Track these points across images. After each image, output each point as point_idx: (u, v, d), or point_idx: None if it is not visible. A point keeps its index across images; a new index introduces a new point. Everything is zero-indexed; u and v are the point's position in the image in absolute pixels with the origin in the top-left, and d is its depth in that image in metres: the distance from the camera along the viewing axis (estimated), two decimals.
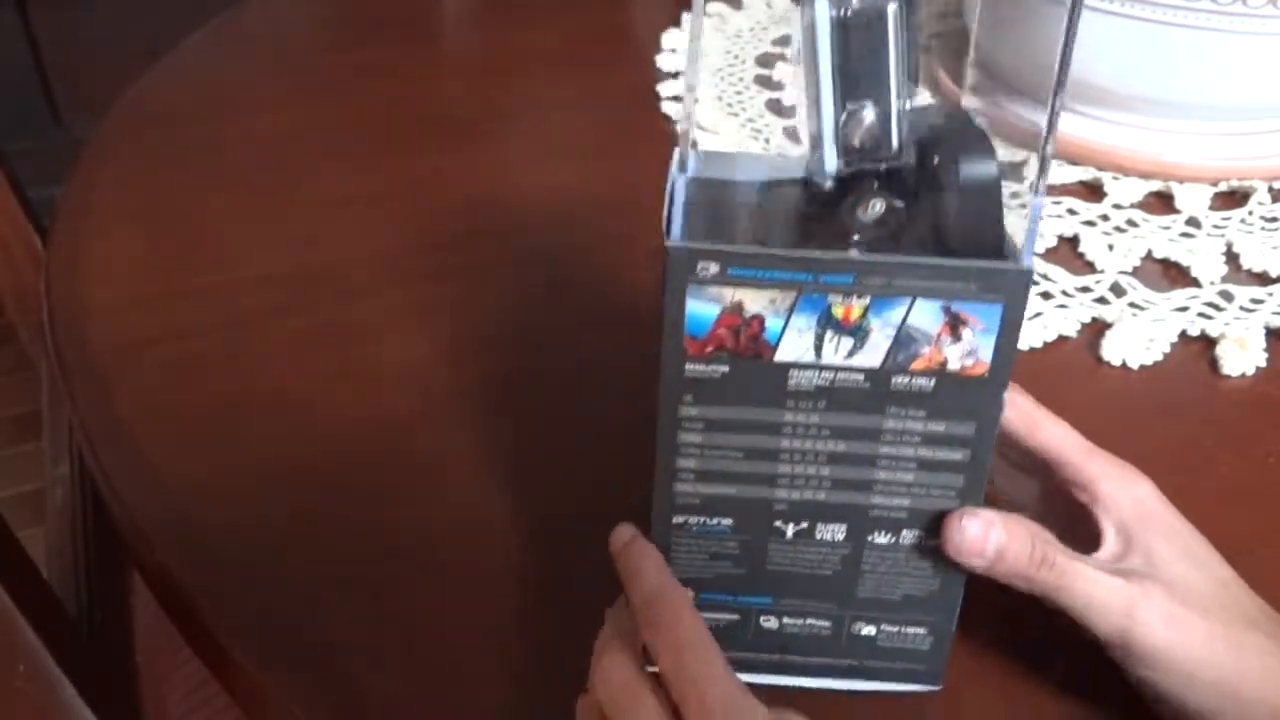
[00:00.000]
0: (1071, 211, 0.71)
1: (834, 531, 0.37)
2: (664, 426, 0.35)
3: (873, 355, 0.34)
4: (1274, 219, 0.70)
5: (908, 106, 0.34)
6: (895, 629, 0.39)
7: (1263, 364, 0.58)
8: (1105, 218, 0.70)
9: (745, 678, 0.34)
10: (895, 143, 0.34)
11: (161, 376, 0.56)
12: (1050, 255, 0.67)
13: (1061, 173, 0.74)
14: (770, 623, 0.39)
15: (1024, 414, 0.41)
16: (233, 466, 0.51)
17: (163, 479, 0.50)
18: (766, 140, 0.79)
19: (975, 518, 0.37)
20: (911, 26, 0.34)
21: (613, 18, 0.98)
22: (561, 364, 0.58)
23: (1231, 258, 0.67)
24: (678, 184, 0.34)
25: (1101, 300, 0.63)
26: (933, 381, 0.34)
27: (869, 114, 0.33)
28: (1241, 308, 0.62)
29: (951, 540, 0.37)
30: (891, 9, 0.32)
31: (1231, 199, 0.73)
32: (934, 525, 0.37)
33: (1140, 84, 0.71)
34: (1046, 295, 0.63)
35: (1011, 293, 0.33)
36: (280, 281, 0.63)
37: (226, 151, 0.77)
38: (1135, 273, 0.65)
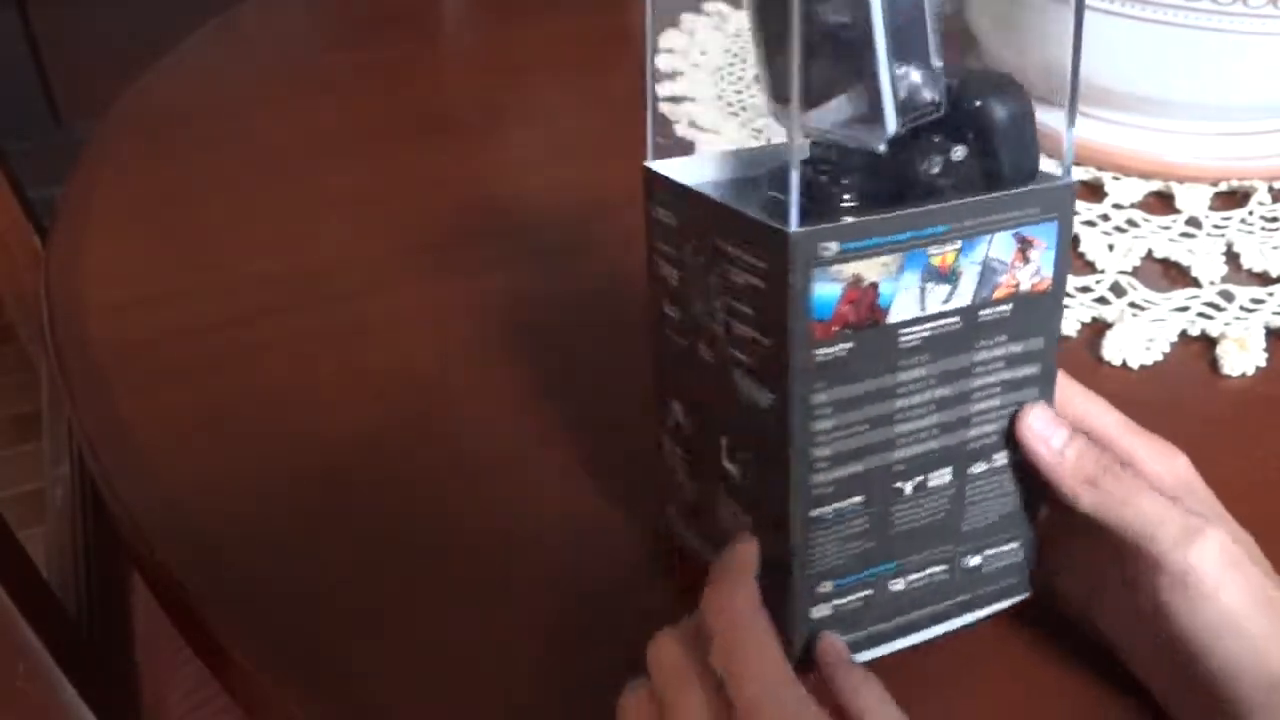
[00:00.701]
0: None
1: (943, 475, 0.38)
2: (797, 421, 0.35)
3: (965, 295, 0.36)
4: (1274, 219, 0.70)
5: (940, 64, 0.36)
6: (995, 550, 0.40)
7: (1263, 364, 0.58)
8: (1105, 218, 0.70)
9: (875, 652, 0.37)
10: (937, 96, 0.36)
11: (161, 376, 0.56)
12: None
13: None
14: (898, 584, 0.39)
15: (1061, 388, 0.41)
16: (233, 466, 0.51)
17: (163, 479, 0.50)
18: (768, 140, 0.79)
19: (1040, 408, 0.39)
20: None
21: (612, 18, 0.98)
22: (562, 364, 0.58)
23: (1231, 258, 0.67)
24: (792, 171, 0.33)
25: (1101, 300, 0.63)
26: (1010, 306, 0.37)
27: (915, 74, 0.35)
28: (1241, 308, 0.62)
29: (1024, 426, 0.38)
30: None
31: (1231, 199, 0.73)
32: (1016, 442, 0.39)
33: (1140, 84, 0.71)
34: None
35: (1064, 208, 0.37)
36: (280, 281, 0.63)
37: (226, 151, 0.77)
38: (1135, 273, 0.65)
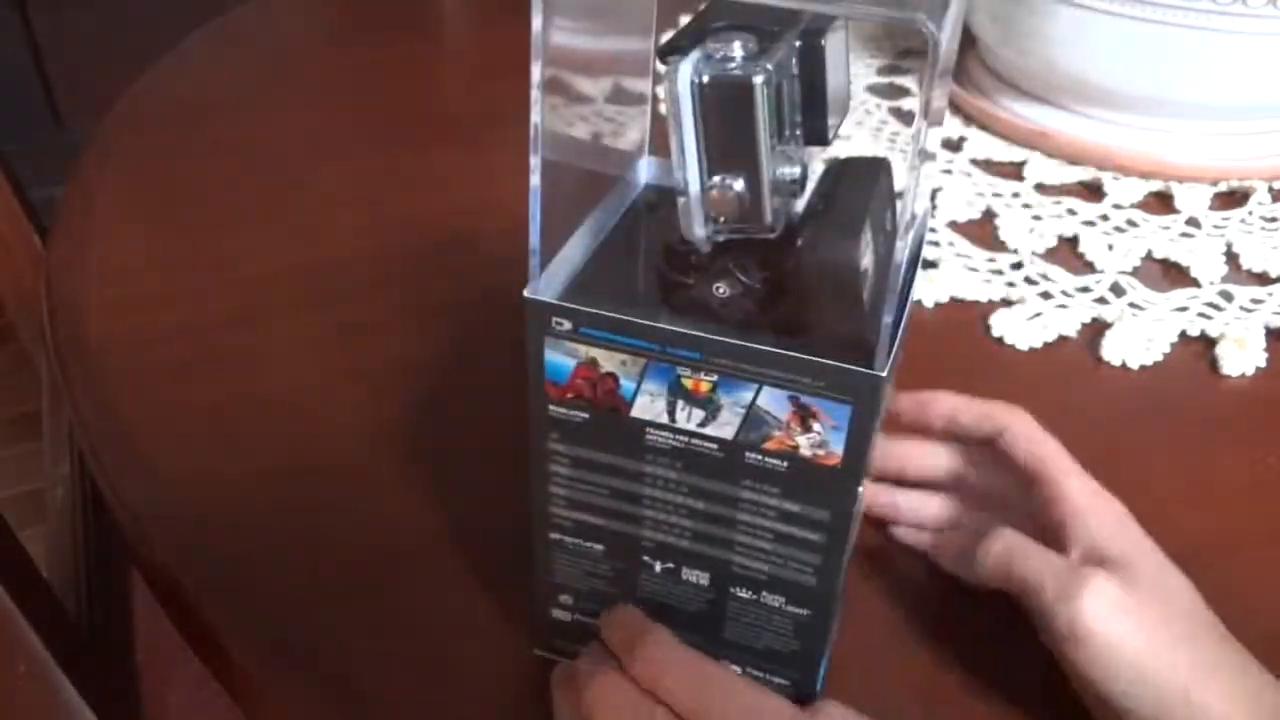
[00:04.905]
0: (1071, 211, 0.71)
1: (698, 576, 0.38)
2: (534, 455, 0.36)
3: (725, 429, 0.34)
4: (1274, 219, 0.70)
5: (787, 177, 0.32)
6: (761, 675, 0.39)
7: (1263, 364, 0.58)
8: (1105, 218, 0.70)
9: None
10: (767, 215, 0.32)
11: (161, 376, 0.56)
12: (1050, 255, 0.67)
13: (1061, 173, 0.74)
14: None
15: (1024, 430, 0.42)
16: (233, 466, 0.51)
17: (163, 479, 0.50)
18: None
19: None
20: (808, 87, 0.33)
21: None
22: None
23: (1231, 258, 0.67)
24: (533, 224, 0.33)
25: (1101, 300, 0.63)
26: (785, 463, 0.34)
27: (738, 185, 0.32)
28: (1241, 308, 0.62)
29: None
30: (759, 80, 0.30)
31: (1231, 199, 0.73)
32: (794, 592, 0.37)
33: (1140, 84, 0.72)
34: (1046, 295, 0.63)
35: (861, 396, 0.31)
36: (280, 281, 0.63)
37: (226, 151, 0.77)
38: (1135, 273, 0.65)
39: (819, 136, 0.34)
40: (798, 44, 0.33)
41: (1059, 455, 0.41)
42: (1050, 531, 0.40)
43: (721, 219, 0.32)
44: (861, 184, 0.34)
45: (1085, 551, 0.39)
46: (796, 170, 0.32)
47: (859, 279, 0.31)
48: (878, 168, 0.35)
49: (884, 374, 0.31)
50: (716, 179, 0.32)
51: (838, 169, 0.35)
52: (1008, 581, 0.39)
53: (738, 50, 0.31)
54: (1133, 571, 0.37)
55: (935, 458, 0.46)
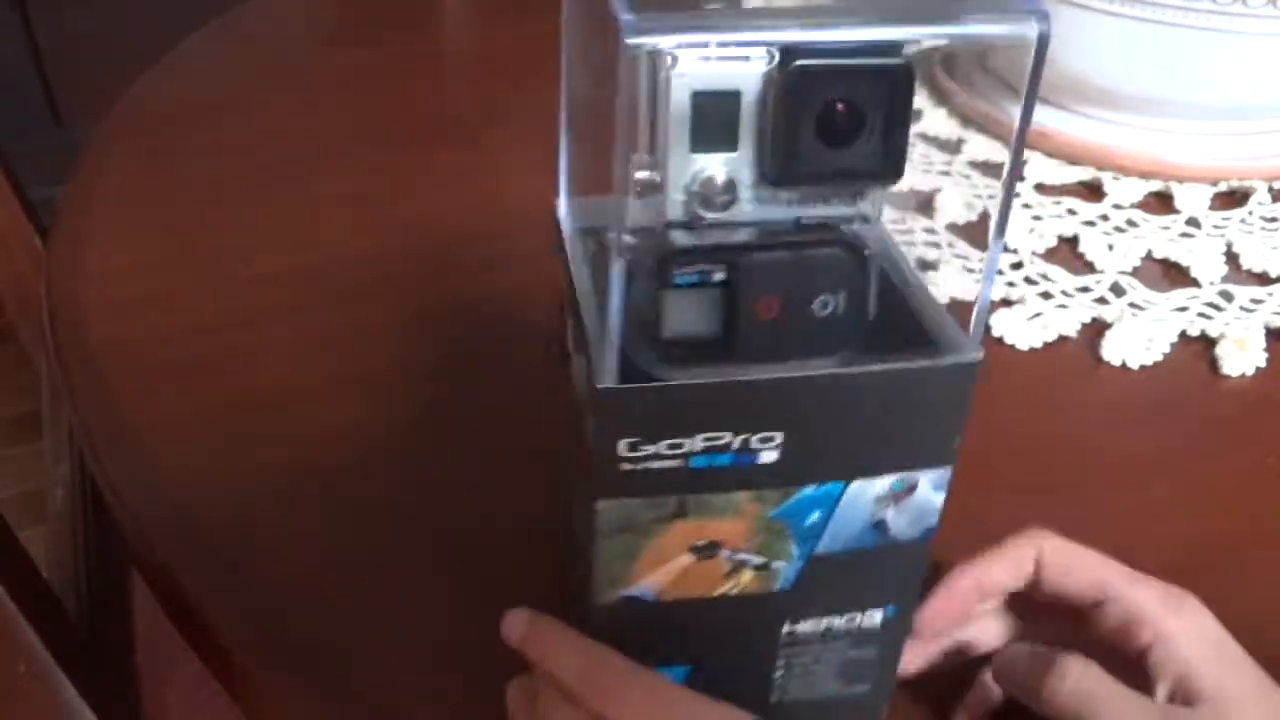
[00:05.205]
0: (1071, 211, 0.71)
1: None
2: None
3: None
4: (1274, 219, 0.70)
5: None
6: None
7: (1263, 364, 0.58)
8: (1105, 218, 0.70)
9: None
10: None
11: (161, 376, 0.56)
12: (1050, 255, 0.67)
13: (1061, 173, 0.74)
14: None
15: (1060, 556, 0.38)
16: (233, 467, 0.51)
17: (163, 479, 0.50)
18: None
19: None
20: None
21: None
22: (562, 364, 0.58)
23: (1231, 258, 0.67)
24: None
25: (1101, 300, 0.63)
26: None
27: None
28: (1241, 308, 0.62)
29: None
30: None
31: (1231, 199, 0.73)
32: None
33: (1140, 84, 0.71)
34: (1046, 295, 0.63)
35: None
36: (280, 281, 0.63)
37: (226, 151, 0.77)
38: (1135, 273, 0.65)
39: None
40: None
41: (1107, 566, 0.38)
42: (1129, 655, 0.37)
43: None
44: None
45: (1175, 683, 0.35)
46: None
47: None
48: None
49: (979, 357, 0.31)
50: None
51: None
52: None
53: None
54: (1230, 712, 0.34)
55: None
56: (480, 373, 0.57)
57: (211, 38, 0.95)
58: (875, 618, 0.36)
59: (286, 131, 0.80)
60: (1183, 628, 0.36)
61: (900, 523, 0.33)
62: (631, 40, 0.26)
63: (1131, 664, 0.36)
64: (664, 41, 0.27)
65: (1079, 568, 0.38)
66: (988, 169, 0.76)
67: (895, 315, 0.32)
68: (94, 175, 0.74)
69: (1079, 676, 0.35)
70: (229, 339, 0.59)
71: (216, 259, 0.65)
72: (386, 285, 0.63)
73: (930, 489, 0.33)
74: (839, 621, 0.36)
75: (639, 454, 0.30)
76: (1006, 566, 0.39)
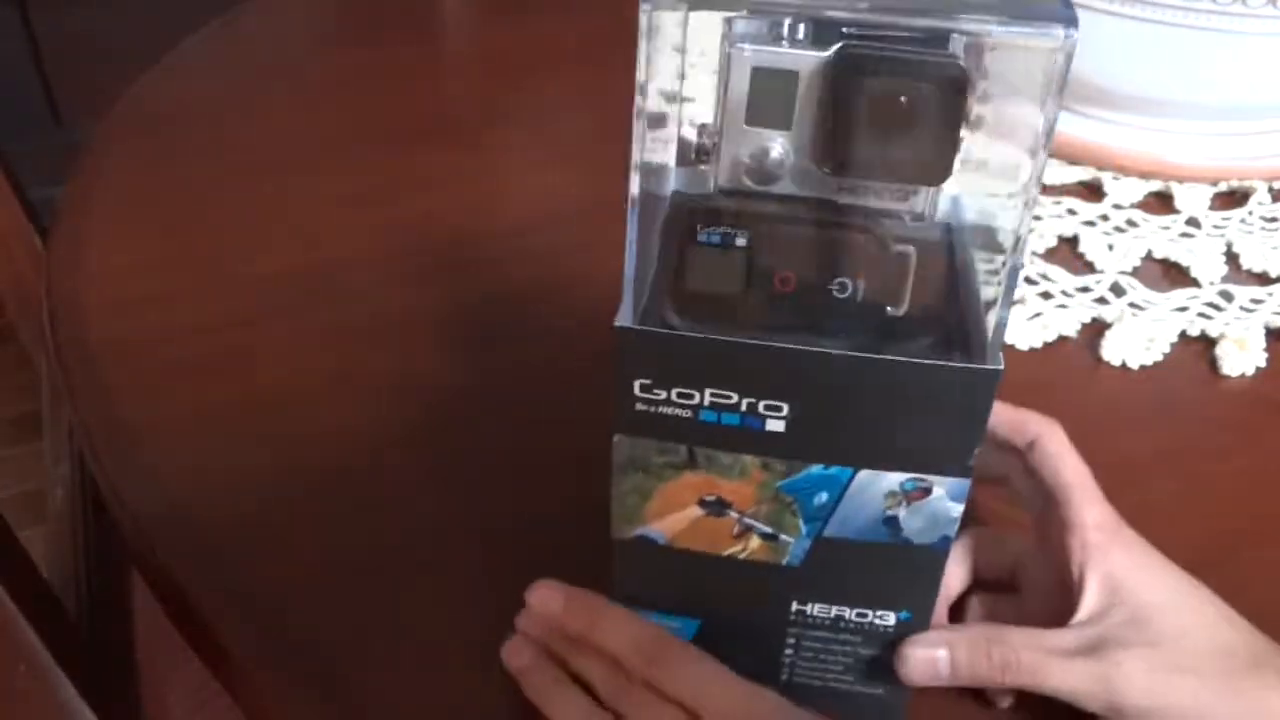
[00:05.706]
0: (1071, 211, 0.71)
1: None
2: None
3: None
4: (1274, 219, 0.70)
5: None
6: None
7: (1263, 364, 0.58)
8: (1105, 218, 0.70)
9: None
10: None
11: (161, 376, 0.56)
12: (1050, 255, 0.67)
13: (1061, 173, 0.74)
14: None
15: (1053, 446, 0.41)
16: (233, 467, 0.51)
17: (163, 479, 0.50)
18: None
19: (917, 645, 0.37)
20: None
21: (614, 18, 0.98)
22: (562, 365, 0.58)
23: (1231, 258, 0.67)
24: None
25: (1101, 300, 0.63)
26: None
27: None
28: (1241, 308, 0.62)
29: (901, 671, 0.37)
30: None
31: (1231, 199, 0.73)
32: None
33: (1140, 84, 0.71)
34: (1046, 295, 0.63)
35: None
36: (280, 281, 0.63)
37: (226, 151, 0.77)
38: (1135, 273, 0.65)
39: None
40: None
41: (1083, 483, 0.40)
42: (1059, 560, 0.40)
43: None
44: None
45: (1096, 603, 0.38)
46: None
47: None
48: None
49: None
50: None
51: None
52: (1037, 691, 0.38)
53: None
54: (1149, 630, 0.37)
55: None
56: (481, 372, 0.57)
57: (211, 38, 0.95)
58: (889, 619, 0.37)
59: (286, 131, 0.80)
60: (1106, 543, 0.39)
61: (913, 525, 0.33)
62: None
63: (1060, 572, 0.39)
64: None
65: (1058, 462, 0.40)
66: (988, 169, 0.75)
67: (942, 312, 0.33)
68: (94, 175, 0.74)
69: (973, 638, 0.38)
70: (229, 339, 0.59)
71: (216, 259, 0.65)
72: (386, 285, 0.63)
73: (947, 498, 0.33)
74: (850, 614, 0.37)
75: (652, 396, 0.33)
76: (1011, 418, 0.41)
